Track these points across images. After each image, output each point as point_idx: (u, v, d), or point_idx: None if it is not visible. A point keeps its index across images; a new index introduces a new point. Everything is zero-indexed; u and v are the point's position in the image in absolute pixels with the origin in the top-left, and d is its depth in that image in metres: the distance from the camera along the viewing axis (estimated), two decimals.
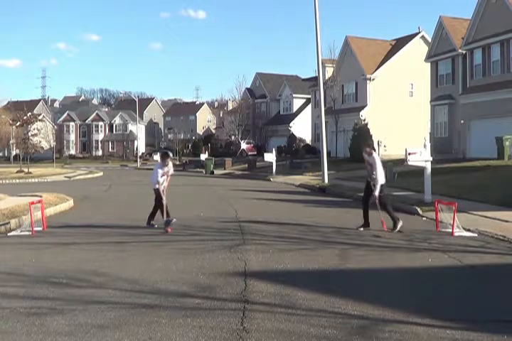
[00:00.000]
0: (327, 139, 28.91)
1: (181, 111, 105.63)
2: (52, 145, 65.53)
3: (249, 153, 52.39)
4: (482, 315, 4.76)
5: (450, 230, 9.32)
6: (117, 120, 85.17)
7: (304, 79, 58.73)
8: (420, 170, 13.93)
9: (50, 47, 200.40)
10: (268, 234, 9.24)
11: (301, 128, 51.81)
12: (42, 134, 56.83)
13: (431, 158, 13.07)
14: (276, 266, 6.72)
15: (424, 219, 11.49)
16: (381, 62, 40.22)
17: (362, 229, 9.85)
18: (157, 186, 10.05)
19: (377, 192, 9.62)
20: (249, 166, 37.56)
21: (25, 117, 41.77)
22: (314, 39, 22.50)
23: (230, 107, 75.19)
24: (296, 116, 55.33)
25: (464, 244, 8.27)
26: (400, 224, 9.73)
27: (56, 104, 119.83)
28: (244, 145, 55.29)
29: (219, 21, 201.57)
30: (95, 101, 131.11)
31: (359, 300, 5.12)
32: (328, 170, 22.56)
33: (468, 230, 9.42)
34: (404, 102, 38.51)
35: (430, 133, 33.05)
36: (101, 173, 37.40)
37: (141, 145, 77.20)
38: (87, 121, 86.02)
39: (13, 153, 65.69)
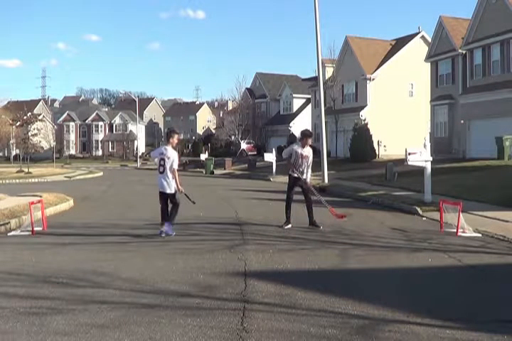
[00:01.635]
0: (327, 139, 28.91)
1: (181, 111, 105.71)
2: (52, 145, 65.58)
3: (249, 153, 52.36)
4: (482, 315, 4.76)
5: (452, 230, 9.34)
6: (117, 120, 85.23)
7: (303, 79, 58.70)
8: (420, 170, 13.92)
9: (50, 47, 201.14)
10: (268, 234, 9.24)
11: (301, 128, 51.63)
12: (42, 134, 56.83)
13: (431, 158, 13.07)
14: (276, 266, 6.71)
15: (424, 219, 11.48)
16: (381, 62, 40.20)
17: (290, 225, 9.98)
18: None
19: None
20: (249, 166, 37.55)
21: (25, 117, 41.83)
22: (314, 39, 22.51)
23: (230, 107, 75.22)
24: (296, 116, 55.30)
25: (464, 244, 8.27)
26: (287, 226, 9.97)
27: (56, 104, 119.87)
28: (244, 145, 55.25)
29: (218, 21, 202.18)
30: (95, 101, 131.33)
31: (359, 300, 5.12)
32: (328, 170, 22.54)
33: (470, 230, 9.42)
34: (404, 102, 38.51)
35: (430, 133, 32.99)
36: (101, 173, 37.41)
37: (141, 145, 77.21)
38: (87, 121, 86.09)
39: (13, 153, 65.73)
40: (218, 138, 72.38)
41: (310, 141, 10.41)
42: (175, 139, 9.45)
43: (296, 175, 10.25)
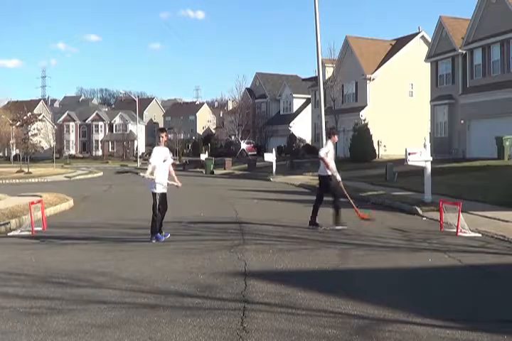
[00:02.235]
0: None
1: (181, 111, 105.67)
2: (52, 145, 65.54)
3: (249, 153, 52.33)
4: (482, 315, 4.76)
5: (452, 230, 9.35)
6: (117, 120, 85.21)
7: (304, 79, 58.72)
8: (420, 170, 13.92)
9: (50, 47, 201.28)
10: (268, 234, 9.23)
11: (301, 128, 51.80)
12: (42, 134, 56.82)
13: (431, 158, 13.07)
14: (276, 266, 6.71)
15: (424, 219, 11.48)
16: (381, 62, 40.22)
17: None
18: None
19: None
20: (249, 166, 37.53)
21: (25, 117, 41.81)
22: (314, 39, 22.51)
23: (230, 107, 75.16)
24: (296, 116, 55.33)
25: (464, 244, 8.27)
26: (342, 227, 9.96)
27: (56, 104, 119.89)
28: (244, 145, 55.24)
29: (218, 21, 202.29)
30: (95, 101, 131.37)
31: (359, 300, 5.12)
32: None
33: (470, 230, 9.43)
34: (404, 102, 38.50)
35: (430, 133, 33.03)
36: (101, 173, 37.40)
37: (141, 145, 77.15)
38: (87, 121, 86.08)
39: (13, 153, 65.70)
40: (218, 138, 72.40)
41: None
42: (163, 137, 8.95)
43: (330, 173, 10.15)
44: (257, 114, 61.66)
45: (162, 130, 9.32)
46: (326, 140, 10.83)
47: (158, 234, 8.66)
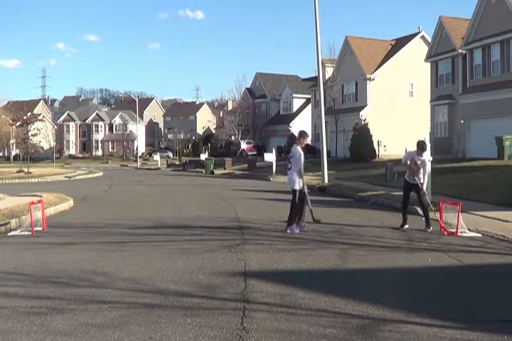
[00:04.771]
0: (327, 139, 28.90)
1: (181, 111, 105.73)
2: (52, 145, 65.58)
3: (249, 153, 52.34)
4: (482, 315, 4.76)
5: (452, 230, 9.35)
6: (117, 120, 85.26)
7: (304, 79, 58.71)
8: None
9: (49, 47, 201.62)
10: (268, 234, 9.24)
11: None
12: (42, 134, 56.75)
13: (431, 158, 13.04)
14: (276, 265, 6.71)
15: (423, 219, 11.46)
16: (381, 62, 40.21)
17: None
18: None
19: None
20: (249, 166, 37.52)
21: (25, 117, 41.81)
22: (314, 39, 22.50)
23: (230, 107, 75.18)
24: (296, 116, 55.31)
25: (464, 244, 8.28)
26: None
27: (56, 104, 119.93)
28: (244, 145, 55.23)
29: (218, 21, 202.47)
30: (95, 101, 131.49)
31: (359, 300, 5.12)
32: (328, 170, 22.53)
33: (470, 230, 9.42)
34: (404, 102, 38.50)
35: (430, 133, 33.02)
36: (101, 173, 37.39)
37: (141, 145, 77.24)
38: (87, 121, 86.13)
39: (13, 153, 65.75)
40: (218, 138, 72.47)
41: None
42: (303, 140, 10.09)
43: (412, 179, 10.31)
44: (257, 113, 61.69)
45: (306, 133, 10.45)
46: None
47: (295, 224, 9.48)
